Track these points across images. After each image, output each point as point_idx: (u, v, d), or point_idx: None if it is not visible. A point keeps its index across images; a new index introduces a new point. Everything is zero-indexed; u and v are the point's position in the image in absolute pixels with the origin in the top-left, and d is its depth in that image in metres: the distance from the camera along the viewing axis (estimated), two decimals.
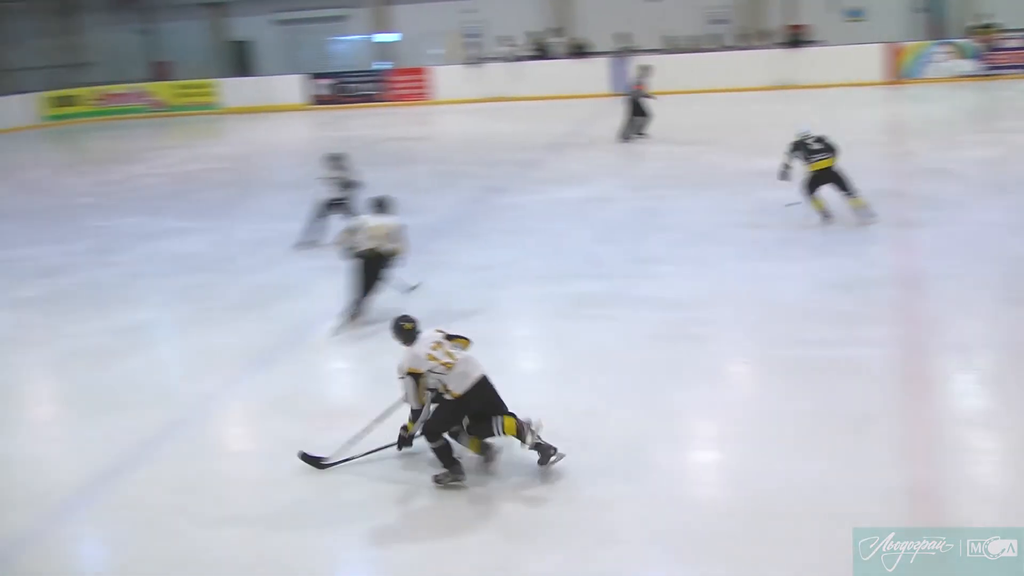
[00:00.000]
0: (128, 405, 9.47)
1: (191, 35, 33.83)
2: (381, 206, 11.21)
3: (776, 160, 13.90)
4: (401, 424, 7.75)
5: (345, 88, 29.59)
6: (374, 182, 17.03)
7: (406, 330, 7.62)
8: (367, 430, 7.83)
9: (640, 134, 21.21)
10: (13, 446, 8.87)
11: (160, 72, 33.35)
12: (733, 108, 24.10)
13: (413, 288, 11.75)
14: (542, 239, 13.98)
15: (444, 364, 7.33)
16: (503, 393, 7.49)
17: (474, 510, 7.11)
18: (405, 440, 7.78)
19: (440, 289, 12.16)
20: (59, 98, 30.99)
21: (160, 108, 31.13)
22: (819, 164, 13.21)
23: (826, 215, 13.40)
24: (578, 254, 13.16)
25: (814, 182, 13.31)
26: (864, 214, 13.23)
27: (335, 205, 14.43)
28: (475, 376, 7.38)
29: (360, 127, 25.42)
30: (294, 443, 8.25)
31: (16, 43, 33.43)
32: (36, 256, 15.32)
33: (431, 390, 7.47)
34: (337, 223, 14.29)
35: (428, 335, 7.52)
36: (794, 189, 13.68)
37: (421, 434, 7.44)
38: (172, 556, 6.91)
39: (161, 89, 31.49)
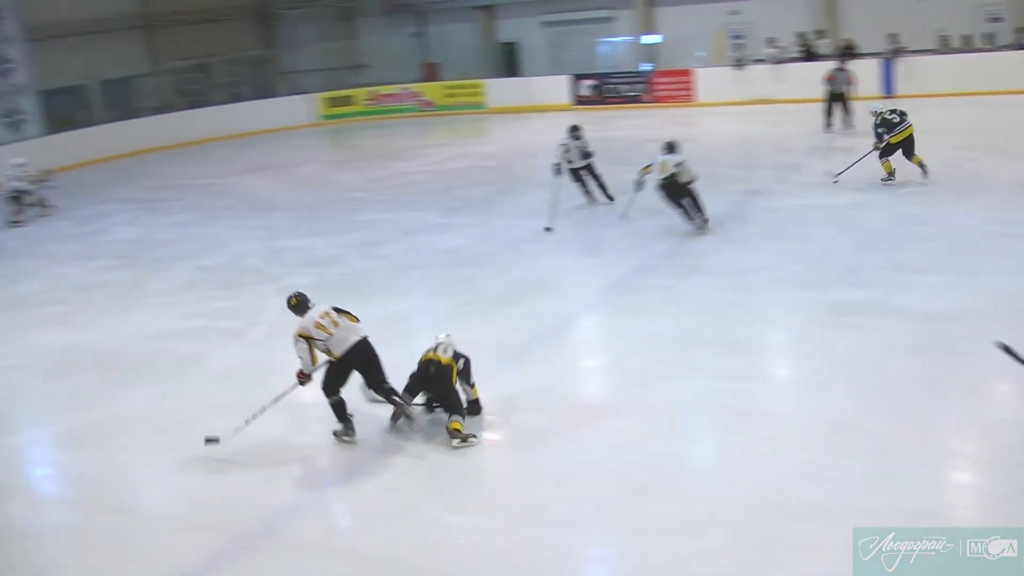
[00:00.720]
0: None
1: (460, 37, 34.70)
2: (670, 147, 14.56)
3: None
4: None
5: (609, 89, 29.76)
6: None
7: (294, 304, 9.11)
8: (263, 410, 8.92)
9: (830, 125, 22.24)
10: (285, 427, 9.45)
11: (430, 73, 34.41)
12: (1007, 112, 22.85)
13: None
14: (801, 244, 13.69)
15: (328, 332, 8.69)
16: (748, 398, 7.41)
17: (709, 520, 7.13)
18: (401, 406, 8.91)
19: (696, 291, 12.17)
20: (336, 98, 32.49)
21: (429, 108, 32.14)
22: (902, 134, 15.75)
23: (892, 175, 16.20)
24: (837, 261, 12.84)
25: (891, 149, 15.92)
26: (924, 169, 15.94)
27: (577, 171, 16.56)
28: (352, 340, 8.75)
29: (623, 128, 25.53)
30: (546, 437, 8.50)
31: (299, 47, 35.37)
32: (308, 247, 16.19)
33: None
34: (581, 186, 16.71)
35: (319, 308, 8.93)
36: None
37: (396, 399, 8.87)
38: (426, 541, 7.22)
39: (430, 89, 32.50)
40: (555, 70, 31.69)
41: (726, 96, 27.79)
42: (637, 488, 7.59)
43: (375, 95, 32.29)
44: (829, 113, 22.23)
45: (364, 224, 17.50)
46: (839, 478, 7.34)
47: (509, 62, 34.45)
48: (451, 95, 32.17)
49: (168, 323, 13.10)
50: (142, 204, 21.32)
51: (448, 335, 9.10)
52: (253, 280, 14.56)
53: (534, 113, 30.23)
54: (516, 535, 7.12)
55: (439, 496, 7.89)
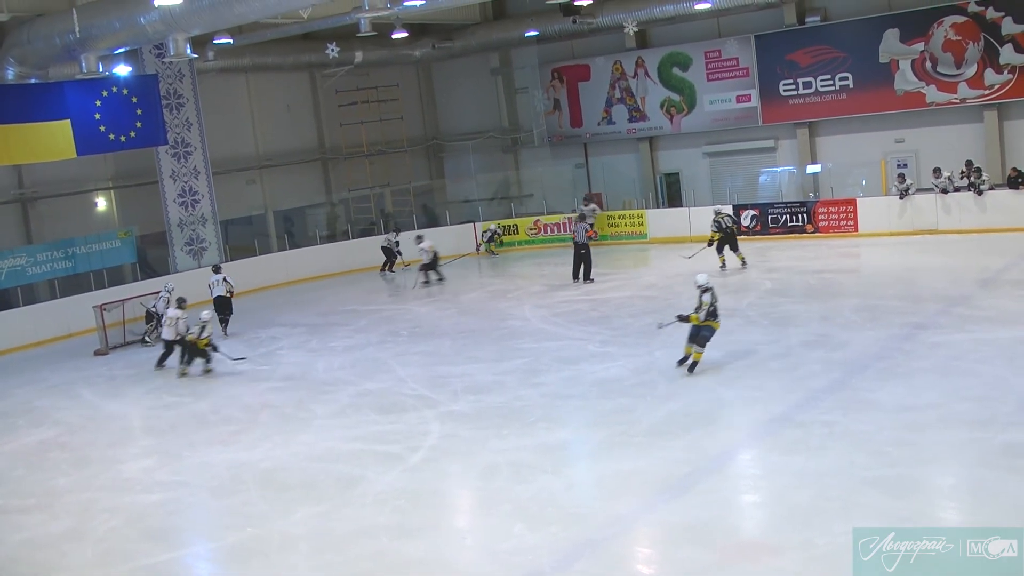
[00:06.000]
0: (543, 522, 9.92)
1: (623, 168, 35.15)
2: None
3: None
4: None
5: (770, 219, 29.65)
6: (798, 315, 17.03)
7: None
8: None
9: None
10: (433, 549, 9.56)
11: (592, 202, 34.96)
12: None
13: None
14: (970, 381, 13.26)
15: None
16: None
17: None
18: None
19: (860, 428, 11.90)
20: (500, 227, 33.09)
21: (592, 237, 32.44)
22: None
23: None
24: (1010, 399, 12.40)
25: None
26: None
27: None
28: None
29: (784, 259, 25.35)
30: (704, 573, 8.36)
31: (464, 178, 36.45)
32: (469, 373, 16.43)
33: None
34: None
35: None
36: None
37: None
38: None
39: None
40: (717, 200, 31.72)
41: (890, 226, 27.33)
42: None
43: (538, 225, 32.80)
44: None
45: (524, 352, 17.68)
46: None
47: (671, 192, 34.65)
48: (613, 225, 32.46)
49: (330, 445, 13.44)
50: (311, 328, 21.98)
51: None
52: (415, 405, 14.83)
53: (696, 243, 30.21)
54: None
55: None
